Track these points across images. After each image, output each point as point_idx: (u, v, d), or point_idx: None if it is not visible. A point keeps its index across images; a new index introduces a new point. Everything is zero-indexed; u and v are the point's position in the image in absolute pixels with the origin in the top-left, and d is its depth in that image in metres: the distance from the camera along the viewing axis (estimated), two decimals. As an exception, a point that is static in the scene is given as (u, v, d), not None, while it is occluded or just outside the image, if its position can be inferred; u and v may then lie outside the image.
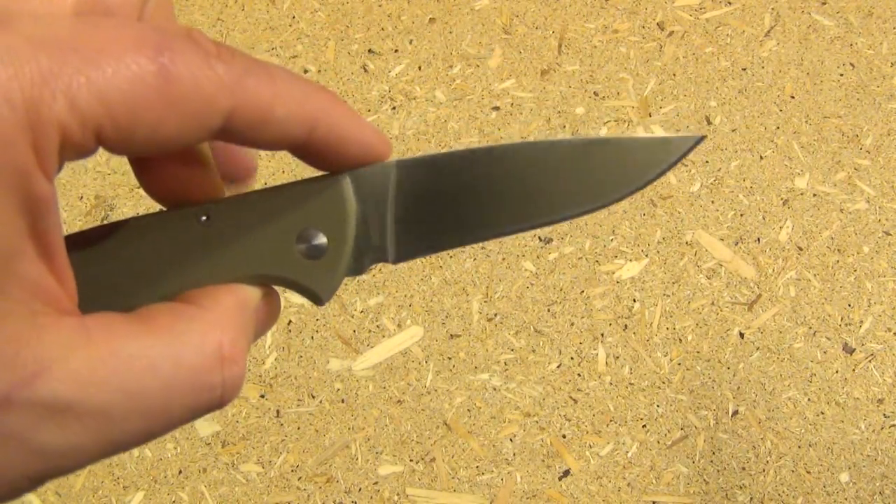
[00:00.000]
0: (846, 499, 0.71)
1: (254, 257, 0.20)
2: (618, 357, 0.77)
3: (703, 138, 0.24)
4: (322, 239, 0.21)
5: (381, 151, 0.21)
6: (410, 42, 0.96)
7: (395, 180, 0.22)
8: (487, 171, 0.22)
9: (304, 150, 0.20)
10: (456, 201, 0.22)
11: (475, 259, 0.81)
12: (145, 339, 0.17)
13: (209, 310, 0.19)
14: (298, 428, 0.74)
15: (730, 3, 0.98)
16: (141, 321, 0.18)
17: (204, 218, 0.20)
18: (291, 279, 0.20)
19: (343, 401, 0.75)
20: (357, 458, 0.72)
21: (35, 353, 0.15)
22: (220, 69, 0.17)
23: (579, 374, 0.76)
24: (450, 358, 0.77)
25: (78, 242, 0.19)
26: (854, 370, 0.76)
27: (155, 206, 0.21)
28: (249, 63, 0.18)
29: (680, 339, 0.78)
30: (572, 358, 0.77)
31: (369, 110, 0.91)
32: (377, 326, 0.78)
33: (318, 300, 0.21)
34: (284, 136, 0.19)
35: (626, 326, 0.78)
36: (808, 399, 0.75)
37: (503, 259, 0.81)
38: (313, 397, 0.75)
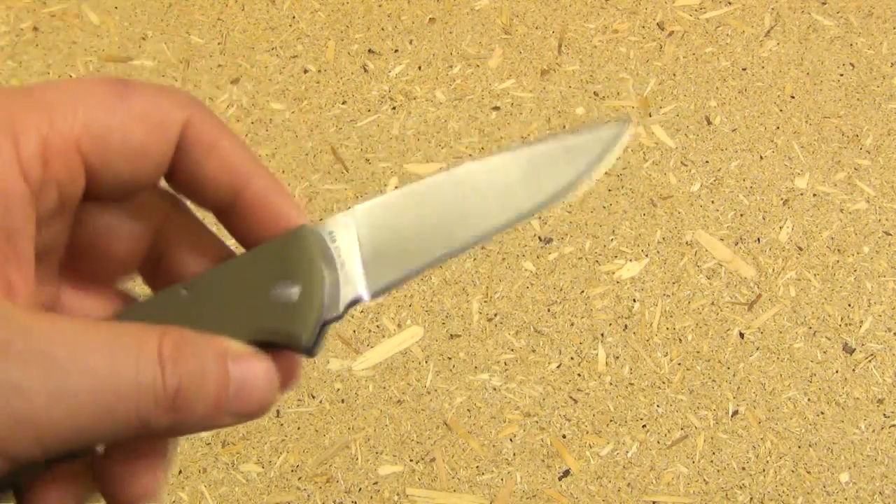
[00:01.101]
0: (846, 499, 0.71)
1: (233, 317, 0.21)
2: (618, 357, 0.77)
3: (628, 122, 0.26)
4: (294, 288, 0.22)
5: (297, 219, 0.23)
6: (410, 42, 0.96)
7: (357, 222, 0.23)
8: (439, 201, 0.24)
9: (235, 204, 0.22)
10: (416, 233, 0.24)
11: (475, 259, 0.81)
12: (89, 322, 0.18)
13: (159, 326, 0.20)
14: (298, 428, 0.74)
15: (730, 3, 0.98)
16: (84, 320, 0.18)
17: (184, 292, 0.22)
18: (272, 329, 0.21)
19: (343, 401, 0.75)
20: (357, 458, 0.72)
21: None
22: (170, 90, 0.20)
23: (579, 374, 0.76)
24: (450, 358, 0.77)
25: None
26: (854, 370, 0.76)
27: None
28: (194, 99, 0.21)
29: (680, 339, 0.78)
30: (572, 358, 0.77)
31: (369, 110, 0.91)
32: (377, 326, 0.78)
33: (302, 348, 0.22)
34: (223, 175, 0.21)
35: (626, 326, 0.78)
36: (808, 399, 0.75)
37: (503, 259, 0.82)
38: (313, 397, 0.75)
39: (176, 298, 0.22)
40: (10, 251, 0.18)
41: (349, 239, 0.23)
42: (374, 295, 0.23)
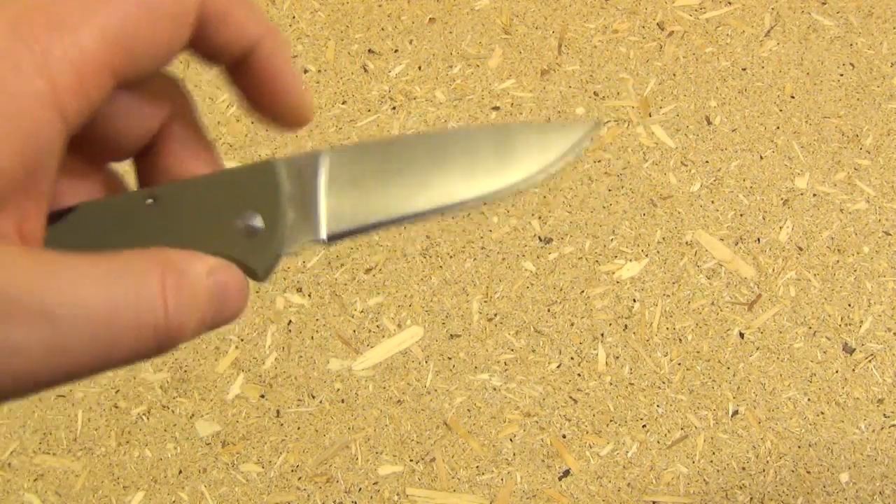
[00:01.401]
0: (846, 499, 0.71)
1: (196, 236, 0.22)
2: (618, 357, 0.77)
3: (596, 123, 0.26)
4: (258, 220, 0.22)
5: (307, 109, 0.23)
6: (410, 42, 0.96)
7: (326, 166, 0.24)
8: (410, 161, 0.24)
9: (243, 67, 0.22)
10: (381, 188, 0.24)
11: (475, 259, 0.81)
12: (89, 261, 0.18)
13: (150, 251, 0.20)
14: (298, 428, 0.74)
15: (730, 3, 0.98)
16: (85, 255, 0.19)
17: (150, 201, 0.22)
18: (231, 256, 0.22)
19: (343, 401, 0.75)
20: (357, 458, 0.72)
21: None
22: None
23: (579, 374, 0.76)
24: (450, 358, 0.77)
25: None
26: (854, 370, 0.76)
27: None
28: None
29: (680, 339, 0.78)
30: (572, 358, 0.77)
31: (369, 110, 0.91)
32: (377, 326, 0.78)
33: (255, 276, 0.22)
34: (237, 40, 0.21)
35: (626, 326, 0.78)
36: (808, 399, 0.75)
37: (503, 259, 0.81)
38: (313, 397, 0.75)
39: (141, 206, 0.22)
40: (33, 188, 0.18)
41: (316, 179, 0.23)
42: (332, 238, 0.24)
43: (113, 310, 0.18)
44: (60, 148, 0.18)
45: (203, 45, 0.21)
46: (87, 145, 0.21)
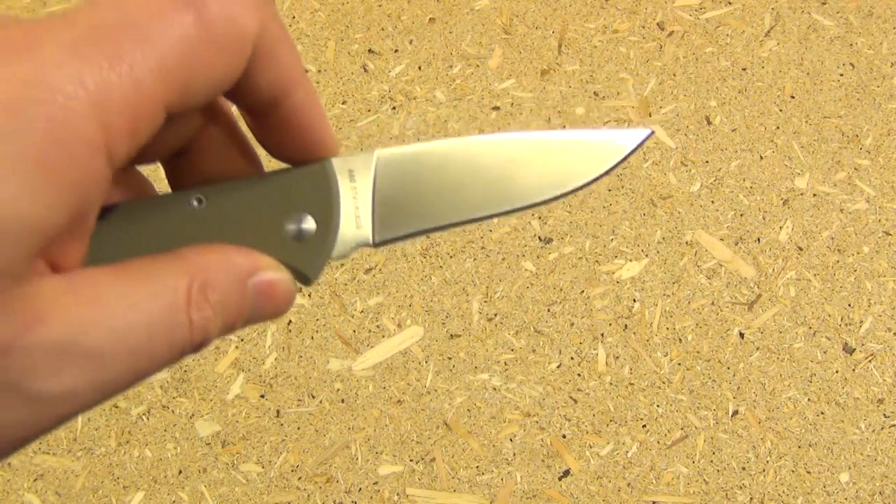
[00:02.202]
0: (846, 499, 0.71)
1: (245, 239, 0.21)
2: (618, 357, 0.77)
3: (652, 133, 0.26)
4: (310, 222, 0.22)
5: (332, 148, 0.22)
6: (410, 42, 0.96)
7: (376, 168, 0.23)
8: (461, 162, 0.24)
9: (273, 112, 0.21)
10: (432, 189, 0.24)
11: (475, 259, 0.81)
12: (124, 281, 0.18)
13: (183, 257, 0.19)
14: (298, 428, 0.74)
15: (730, 3, 0.98)
16: (119, 268, 0.18)
17: (196, 202, 0.21)
18: (281, 260, 0.21)
19: (343, 401, 0.75)
20: (357, 458, 0.72)
21: (32, 304, 0.16)
22: None
23: (579, 374, 0.76)
24: (450, 358, 0.77)
25: None
26: (854, 370, 0.76)
27: None
28: None
29: (680, 339, 0.78)
30: (572, 358, 0.77)
31: (369, 110, 0.91)
32: (377, 326, 0.78)
33: (306, 280, 0.22)
34: (278, 81, 0.20)
35: (626, 326, 0.78)
36: (808, 399, 0.75)
37: (503, 259, 0.81)
38: (313, 397, 0.75)
39: (188, 207, 0.21)
40: (77, 230, 0.17)
41: (367, 181, 0.23)
42: (380, 243, 0.23)
43: (150, 335, 0.18)
44: (105, 191, 0.17)
45: (244, 83, 0.19)
46: None
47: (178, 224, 0.21)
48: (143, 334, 0.17)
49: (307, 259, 0.22)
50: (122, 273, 0.18)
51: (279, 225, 0.22)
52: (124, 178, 0.22)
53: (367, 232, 0.23)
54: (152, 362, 0.18)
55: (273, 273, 0.21)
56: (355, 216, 0.23)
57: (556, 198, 0.24)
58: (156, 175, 0.22)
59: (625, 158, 0.25)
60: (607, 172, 0.25)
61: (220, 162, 0.22)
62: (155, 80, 0.16)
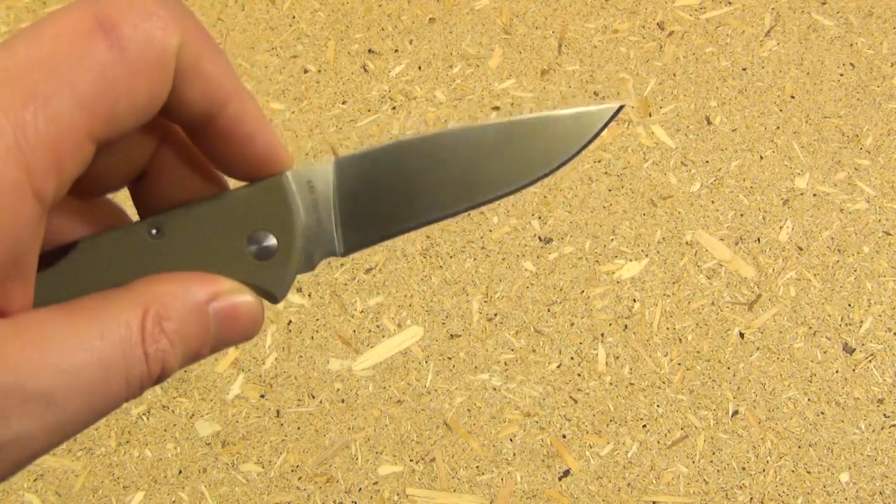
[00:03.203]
0: (846, 499, 0.71)
1: (205, 264, 0.21)
2: (618, 357, 0.77)
3: (622, 107, 0.25)
4: (271, 240, 0.21)
5: (282, 158, 0.22)
6: (410, 42, 0.96)
7: (335, 176, 0.23)
8: (423, 159, 0.23)
9: (210, 126, 0.20)
10: (396, 191, 0.23)
11: (475, 259, 0.81)
12: (73, 320, 0.17)
13: (135, 290, 0.19)
14: (298, 428, 0.74)
15: (730, 3, 0.98)
16: (68, 307, 0.18)
17: (154, 231, 0.21)
18: (245, 281, 0.21)
19: (343, 401, 0.75)
20: (357, 458, 0.72)
21: None
22: (155, 4, 0.18)
23: (579, 374, 0.76)
24: (450, 358, 0.77)
25: None
26: (854, 370, 0.76)
27: None
28: (186, 9, 0.19)
29: (680, 339, 0.78)
30: (572, 358, 0.77)
31: (369, 110, 0.91)
32: (377, 326, 0.78)
33: (273, 299, 0.22)
34: (205, 97, 0.19)
35: (626, 326, 0.78)
36: (808, 399, 0.75)
37: (503, 259, 0.81)
38: (313, 397, 0.75)
39: (144, 238, 0.20)
40: (14, 273, 0.17)
41: (327, 191, 0.22)
42: (347, 251, 0.23)
43: (104, 373, 0.17)
44: (39, 231, 0.17)
45: (172, 100, 0.19)
46: (75, 186, 0.19)
47: (136, 256, 0.20)
48: (96, 373, 0.17)
49: (272, 278, 0.21)
50: (70, 312, 0.17)
51: (240, 246, 0.21)
52: (93, 210, 0.22)
53: (332, 243, 0.23)
54: (109, 400, 0.17)
55: (236, 296, 0.20)
56: (319, 228, 0.22)
57: (529, 183, 0.24)
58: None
59: (596, 135, 0.24)
60: (579, 152, 0.24)
61: (181, 182, 0.22)
62: (73, 113, 0.16)
